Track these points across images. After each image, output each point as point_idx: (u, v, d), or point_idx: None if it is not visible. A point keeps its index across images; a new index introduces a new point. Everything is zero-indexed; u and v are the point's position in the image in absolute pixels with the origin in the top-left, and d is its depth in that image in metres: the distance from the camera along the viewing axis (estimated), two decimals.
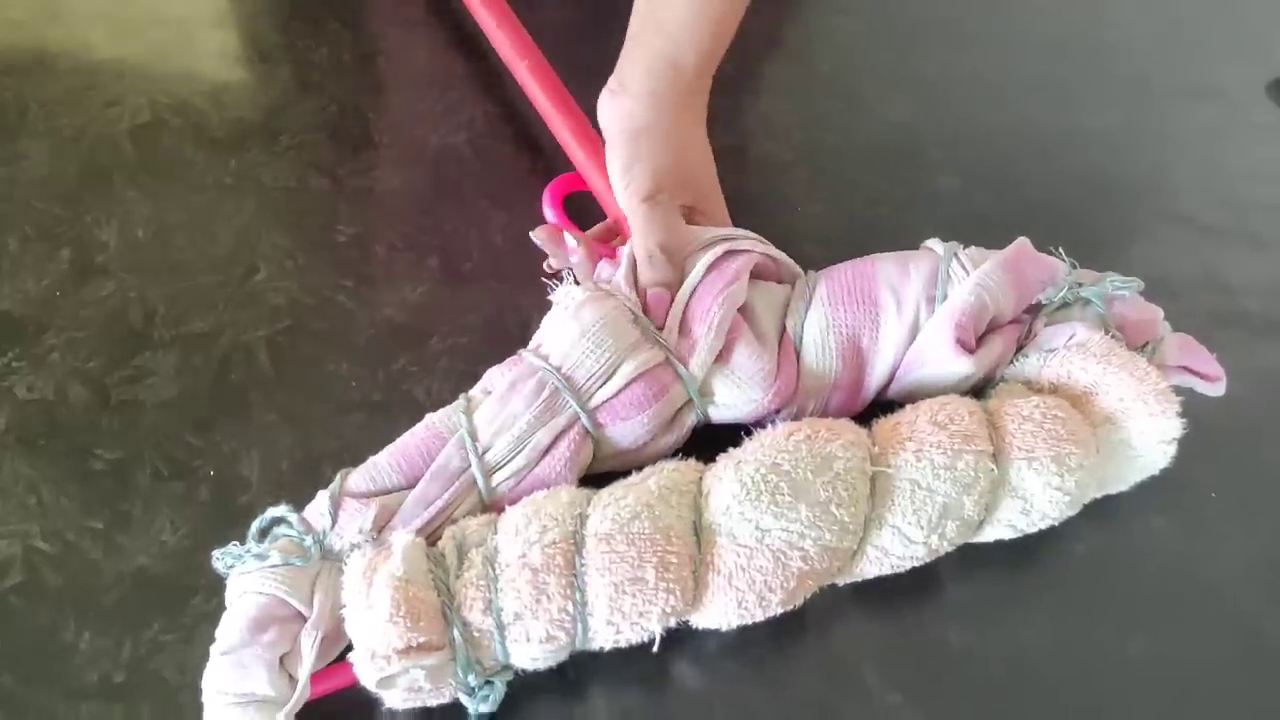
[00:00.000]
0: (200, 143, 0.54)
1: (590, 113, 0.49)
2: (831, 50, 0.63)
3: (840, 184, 0.56)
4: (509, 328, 0.47)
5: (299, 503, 0.39)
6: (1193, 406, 0.40)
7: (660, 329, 0.41)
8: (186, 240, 0.50)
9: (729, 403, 0.41)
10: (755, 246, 0.44)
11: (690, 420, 0.42)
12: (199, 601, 0.37)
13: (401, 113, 0.57)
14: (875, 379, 0.42)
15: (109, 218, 0.50)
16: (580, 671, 0.36)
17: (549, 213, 0.49)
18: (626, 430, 0.39)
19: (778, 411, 0.42)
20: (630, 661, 0.35)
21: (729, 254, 0.43)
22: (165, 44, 0.60)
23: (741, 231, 0.45)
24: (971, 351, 0.41)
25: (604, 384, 0.39)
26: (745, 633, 0.36)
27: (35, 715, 0.36)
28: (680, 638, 0.37)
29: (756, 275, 0.44)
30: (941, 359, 0.41)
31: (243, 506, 0.41)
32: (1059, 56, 0.64)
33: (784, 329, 0.43)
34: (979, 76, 0.63)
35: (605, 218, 0.48)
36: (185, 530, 0.40)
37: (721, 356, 0.41)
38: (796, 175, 0.55)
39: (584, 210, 0.49)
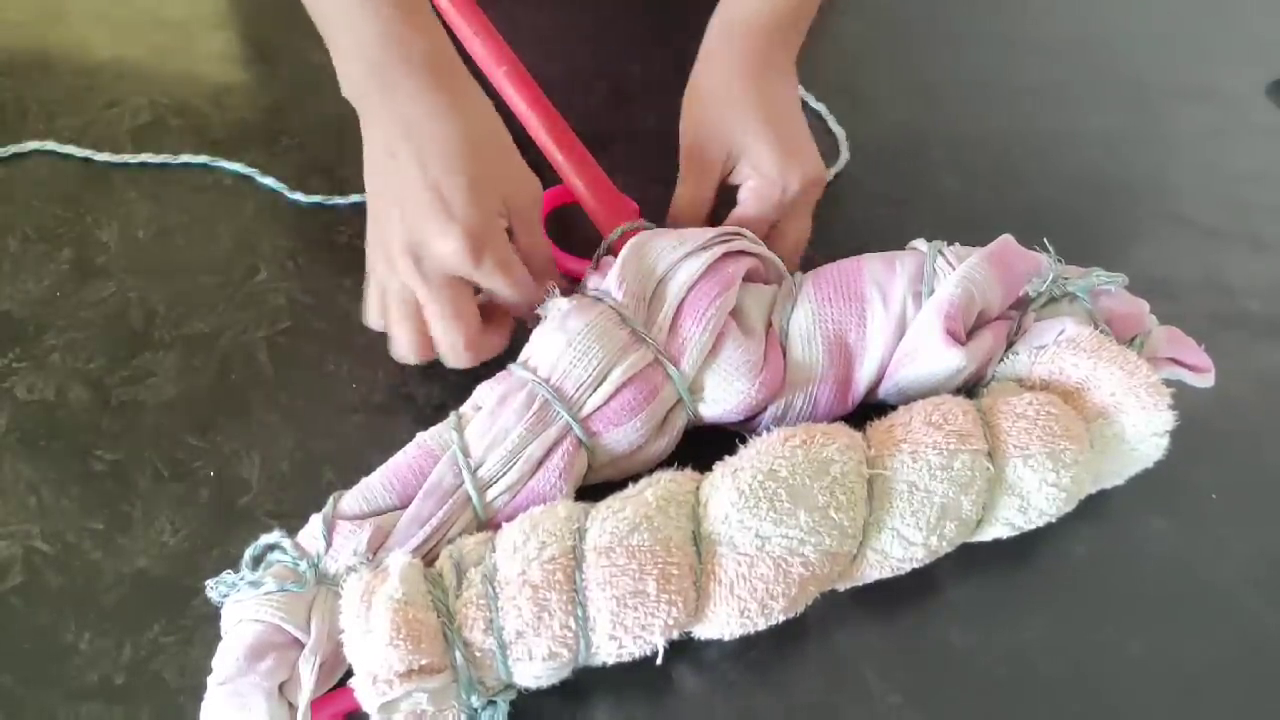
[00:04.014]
0: (200, 143, 0.54)
1: (583, 118, 0.49)
2: (833, 51, 0.63)
3: (841, 184, 0.56)
4: None
5: (299, 504, 0.39)
6: (1193, 407, 0.40)
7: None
8: (186, 240, 0.50)
9: (717, 397, 0.41)
10: (750, 248, 0.44)
11: (681, 421, 0.42)
12: (199, 603, 0.37)
13: None
14: (864, 375, 0.42)
15: (109, 218, 0.51)
16: (582, 676, 0.36)
17: None
18: (620, 436, 0.39)
19: (765, 407, 0.42)
20: (632, 666, 0.35)
21: (726, 256, 0.43)
22: (166, 45, 0.60)
23: (737, 230, 0.45)
24: (962, 343, 0.41)
25: (594, 391, 0.39)
26: (746, 636, 0.36)
27: (35, 716, 0.36)
28: (681, 641, 0.37)
29: (745, 277, 0.44)
30: (932, 351, 0.41)
31: (243, 508, 0.41)
32: (1060, 58, 0.64)
33: (770, 325, 0.43)
34: (981, 77, 0.63)
35: (591, 230, 0.48)
36: (185, 531, 0.40)
37: (709, 352, 0.41)
38: None
39: (570, 224, 0.50)
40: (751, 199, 0.46)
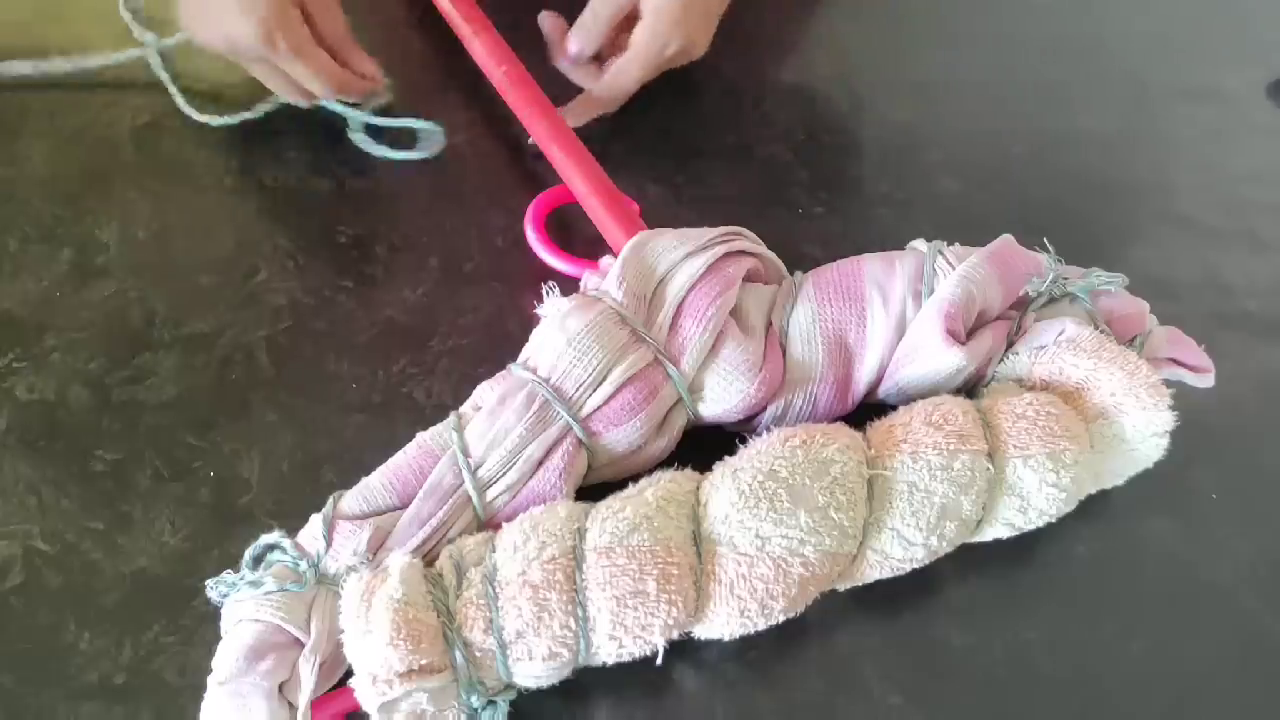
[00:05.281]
0: (200, 143, 0.54)
1: None
2: (832, 51, 0.63)
3: (840, 185, 0.56)
4: (509, 328, 0.47)
5: (299, 504, 0.39)
6: (1194, 408, 0.40)
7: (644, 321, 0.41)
8: (187, 241, 0.50)
9: (717, 396, 0.41)
10: (750, 248, 0.44)
11: (680, 421, 0.42)
12: (199, 603, 0.37)
13: (402, 113, 0.57)
14: (864, 375, 0.42)
15: (109, 218, 0.51)
16: (582, 676, 0.36)
17: (530, 232, 0.49)
18: (620, 436, 0.39)
19: (765, 407, 0.42)
20: (632, 666, 0.35)
21: (727, 256, 0.43)
22: (165, 45, 0.59)
23: (738, 230, 0.45)
24: (962, 343, 0.41)
25: (594, 391, 0.39)
26: (746, 636, 0.36)
27: (35, 715, 0.36)
28: (681, 641, 0.37)
29: (745, 277, 0.44)
30: (932, 351, 0.41)
31: (243, 508, 0.41)
32: (1058, 58, 0.64)
33: (770, 325, 0.43)
34: (979, 78, 0.62)
35: (591, 230, 0.48)
36: (186, 531, 0.40)
37: (709, 351, 0.41)
38: (796, 176, 0.55)
39: (570, 224, 0.50)
40: (643, 36, 0.52)
